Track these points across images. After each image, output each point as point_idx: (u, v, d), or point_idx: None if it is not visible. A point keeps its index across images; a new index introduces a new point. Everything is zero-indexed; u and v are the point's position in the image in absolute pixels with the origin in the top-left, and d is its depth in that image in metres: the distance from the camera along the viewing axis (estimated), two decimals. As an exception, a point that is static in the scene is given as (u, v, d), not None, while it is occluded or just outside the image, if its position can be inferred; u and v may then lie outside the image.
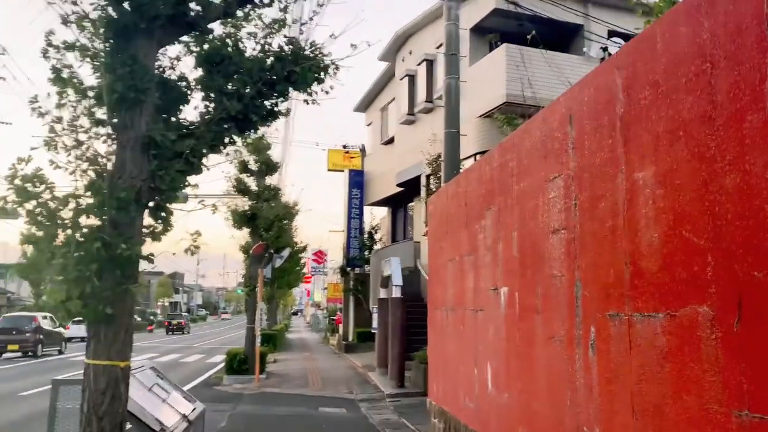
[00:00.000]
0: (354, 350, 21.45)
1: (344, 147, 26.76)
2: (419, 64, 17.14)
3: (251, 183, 15.16)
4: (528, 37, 10.49)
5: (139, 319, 59.02)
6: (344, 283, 24.52)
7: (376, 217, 23.73)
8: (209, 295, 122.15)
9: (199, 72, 4.03)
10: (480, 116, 14.50)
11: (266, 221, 14.99)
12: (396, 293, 12.84)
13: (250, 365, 14.38)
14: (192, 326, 56.43)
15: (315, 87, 4.34)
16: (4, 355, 21.59)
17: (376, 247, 22.22)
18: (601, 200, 3.58)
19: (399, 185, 19.45)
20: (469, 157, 14.26)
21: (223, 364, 15.40)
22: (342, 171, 29.54)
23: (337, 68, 4.38)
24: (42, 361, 20.18)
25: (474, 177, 6.38)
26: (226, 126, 3.96)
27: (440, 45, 15.86)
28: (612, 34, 14.93)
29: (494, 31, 14.34)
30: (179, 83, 4.04)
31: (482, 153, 14.95)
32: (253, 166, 15.23)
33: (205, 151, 3.94)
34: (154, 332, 50.65)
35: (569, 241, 4.05)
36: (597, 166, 3.66)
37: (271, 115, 4.31)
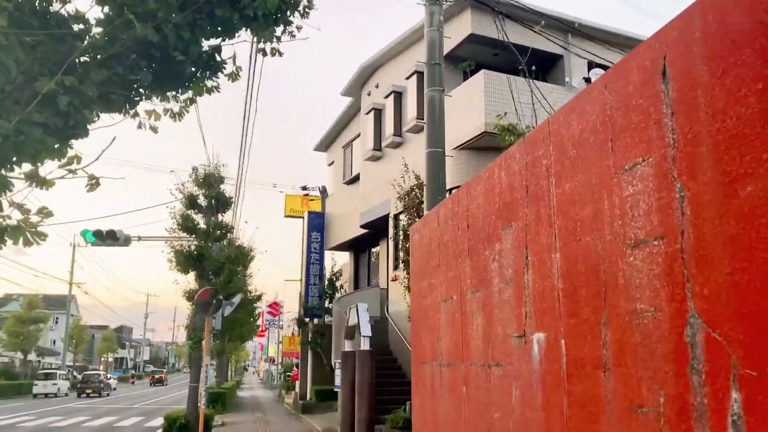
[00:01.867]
0: (313, 411, 19.38)
1: (304, 188, 25.28)
2: (387, 97, 15.99)
3: (200, 220, 13.44)
4: (500, 66, 9.35)
5: (78, 376, 54.81)
6: (302, 335, 22.56)
7: (337, 262, 22.11)
8: (158, 350, 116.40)
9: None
10: (456, 148, 13.30)
11: (215, 264, 13.22)
12: (364, 345, 11.18)
13: (192, 431, 12.33)
14: (137, 383, 52.69)
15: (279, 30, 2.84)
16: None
17: (338, 294, 20.49)
18: (743, 183, 2.16)
19: (363, 226, 17.98)
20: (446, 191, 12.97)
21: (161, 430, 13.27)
22: (300, 217, 28.02)
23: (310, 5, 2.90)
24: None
25: (481, 190, 4.96)
26: (132, 67, 2.38)
27: (411, 75, 14.79)
28: (592, 65, 14.16)
29: (468, 59, 13.33)
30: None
31: (456, 188, 13.70)
32: (202, 201, 13.53)
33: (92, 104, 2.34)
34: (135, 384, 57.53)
35: (672, 255, 2.61)
36: (726, 131, 2.26)
37: (209, 66, 2.76)
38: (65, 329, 49.44)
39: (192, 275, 13.17)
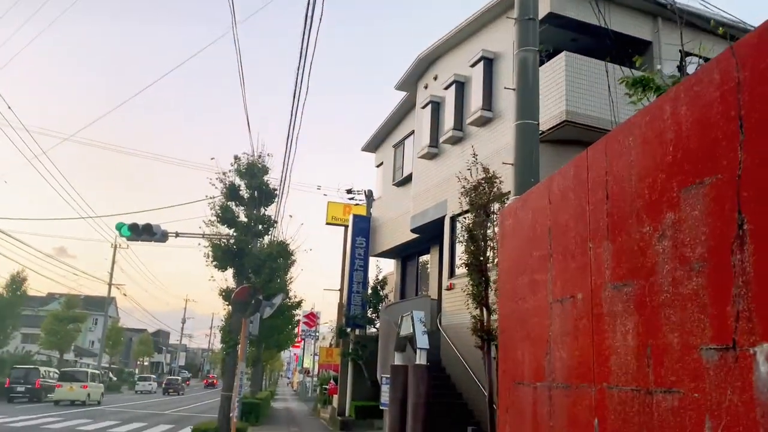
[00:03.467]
0: (352, 428, 17.93)
1: (349, 191, 24.08)
2: (447, 87, 14.64)
3: (240, 213, 12.27)
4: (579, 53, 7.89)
5: (114, 378, 54.70)
6: (342, 346, 21.18)
7: (382, 270, 20.72)
8: (194, 356, 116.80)
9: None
10: (527, 141, 11.81)
11: (255, 260, 12.00)
12: (420, 359, 9.74)
13: (223, 446, 11.07)
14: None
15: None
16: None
17: (384, 304, 19.08)
18: None
19: (414, 231, 16.58)
20: (508, 194, 11.49)
21: (189, 442, 12.10)
22: (342, 225, 26.87)
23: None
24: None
25: (633, 142, 3.51)
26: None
27: (476, 61, 13.41)
28: (685, 53, 12.54)
29: (544, 44, 11.87)
30: None
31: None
32: (243, 192, 12.37)
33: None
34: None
35: None
36: None
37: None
38: (102, 330, 49.29)
39: (230, 273, 12.00)
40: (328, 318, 55.02)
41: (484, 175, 10.49)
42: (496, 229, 10.64)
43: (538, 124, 6.65)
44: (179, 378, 55.56)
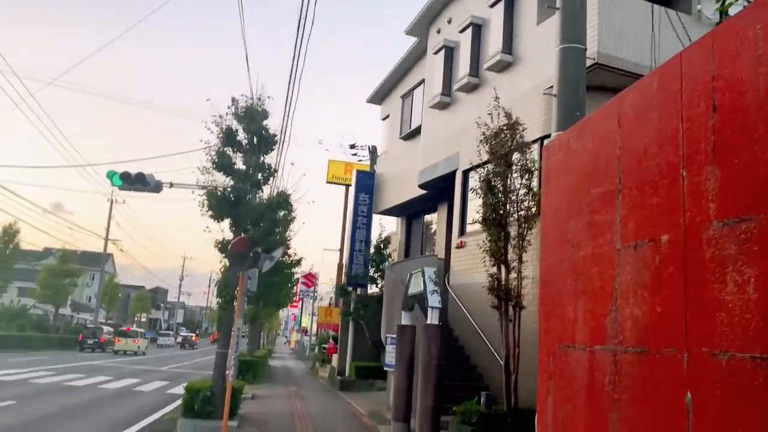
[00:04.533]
0: (351, 388, 17.42)
1: (352, 146, 23.12)
2: (463, 30, 13.57)
3: (238, 160, 11.36)
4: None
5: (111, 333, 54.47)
6: (343, 305, 20.56)
7: (386, 229, 19.93)
8: (192, 313, 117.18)
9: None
10: (551, 87, 10.85)
11: (254, 211, 11.15)
12: (432, 319, 8.98)
13: (218, 406, 10.40)
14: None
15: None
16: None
17: (388, 263, 18.35)
18: None
19: (422, 186, 15.71)
20: (534, 142, 10.59)
21: (184, 399, 11.53)
22: (343, 184, 26.03)
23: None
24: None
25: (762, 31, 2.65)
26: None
27: (496, 1, 12.34)
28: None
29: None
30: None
31: (549, 137, 11.28)
32: (241, 138, 11.44)
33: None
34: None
35: None
36: None
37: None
38: (99, 286, 48.80)
39: (226, 224, 11.16)
40: (327, 279, 54.67)
41: (506, 122, 9.58)
42: (517, 180, 9.80)
43: (586, 49, 5.72)
44: (192, 335, 65.84)
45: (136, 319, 79.49)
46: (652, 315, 3.06)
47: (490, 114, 9.73)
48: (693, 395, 2.70)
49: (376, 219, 20.34)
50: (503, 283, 9.03)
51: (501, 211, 9.17)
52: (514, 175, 9.46)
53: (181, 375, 22.01)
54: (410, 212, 18.93)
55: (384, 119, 20.51)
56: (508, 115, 9.60)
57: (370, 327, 18.45)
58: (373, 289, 20.10)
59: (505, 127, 9.52)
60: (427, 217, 18.30)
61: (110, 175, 14.51)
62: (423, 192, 16.26)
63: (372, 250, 19.18)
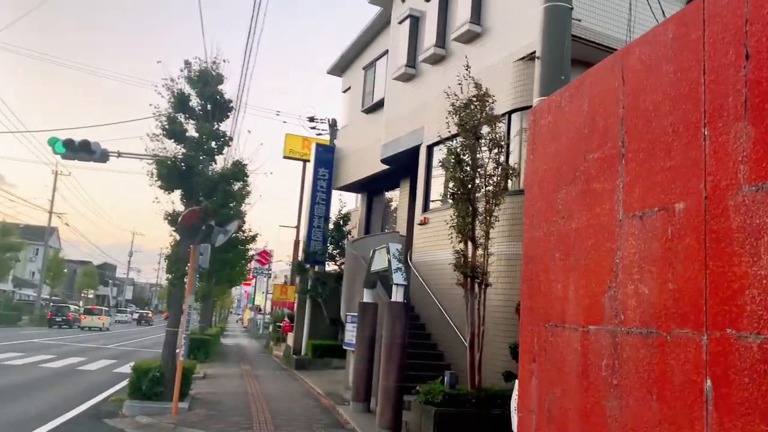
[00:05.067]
0: (308, 367, 17.01)
1: (311, 119, 22.42)
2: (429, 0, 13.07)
3: (190, 128, 10.66)
4: None
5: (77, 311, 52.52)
6: (300, 283, 20.05)
7: (346, 204, 19.42)
8: (142, 290, 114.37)
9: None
10: (522, 58, 10.52)
11: (207, 181, 10.51)
12: (396, 296, 8.61)
13: (167, 387, 9.84)
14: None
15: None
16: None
17: (348, 240, 17.90)
18: None
19: (384, 161, 15.25)
20: (503, 115, 10.24)
21: (131, 379, 10.90)
22: (300, 159, 25.36)
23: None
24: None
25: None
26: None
27: (465, -32, 11.86)
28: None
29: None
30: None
31: (523, 109, 11.00)
32: (194, 103, 10.73)
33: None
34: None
35: None
36: None
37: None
38: (42, 260, 46.82)
39: (177, 195, 10.48)
40: (282, 256, 53.89)
41: (476, 92, 9.19)
42: (485, 154, 9.46)
43: (572, 8, 5.34)
44: (149, 312, 69.47)
45: (82, 295, 76.92)
46: (662, 292, 2.72)
47: (459, 84, 9.31)
48: (714, 382, 2.36)
49: (336, 195, 19.83)
50: (470, 259, 8.72)
51: (469, 186, 8.81)
52: (483, 148, 9.12)
53: (131, 353, 21.19)
54: (371, 188, 18.48)
55: (345, 92, 19.88)
56: (477, 86, 9.20)
57: (328, 305, 18.04)
58: (331, 267, 19.66)
59: (474, 98, 9.13)
60: (389, 194, 17.90)
61: (52, 142, 13.53)
62: (385, 167, 15.82)
63: (332, 226, 18.70)
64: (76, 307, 45.69)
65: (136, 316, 65.52)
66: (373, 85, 17.06)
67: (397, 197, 16.90)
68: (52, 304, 49.57)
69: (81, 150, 13.39)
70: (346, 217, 18.68)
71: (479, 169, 8.95)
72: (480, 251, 8.83)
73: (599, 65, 3.71)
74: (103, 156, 13.84)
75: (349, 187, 19.38)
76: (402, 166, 15.13)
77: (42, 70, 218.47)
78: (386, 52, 16.16)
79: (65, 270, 59.86)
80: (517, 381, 5.11)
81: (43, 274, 47.09)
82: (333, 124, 21.65)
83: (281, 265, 65.48)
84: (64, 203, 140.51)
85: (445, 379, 8.44)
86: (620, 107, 3.38)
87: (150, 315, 66.77)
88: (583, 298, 3.46)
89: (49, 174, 47.67)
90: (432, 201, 12.99)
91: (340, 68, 19.93)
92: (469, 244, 8.86)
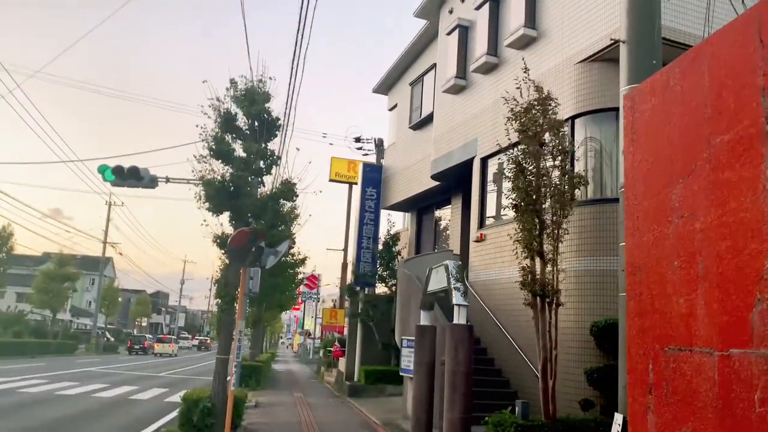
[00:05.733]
0: (361, 394, 16.38)
1: (357, 140, 22.07)
2: (479, 7, 12.56)
3: (237, 148, 10.35)
4: None
5: (111, 339, 53.51)
6: (350, 306, 19.54)
7: (395, 224, 18.90)
8: (194, 317, 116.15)
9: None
10: (584, 60, 9.86)
11: (256, 201, 10.14)
12: (459, 318, 7.95)
13: (218, 418, 9.39)
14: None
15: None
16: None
17: (398, 260, 17.33)
18: None
19: (435, 177, 14.69)
20: (565, 121, 9.56)
21: (182, 409, 10.50)
22: (346, 182, 25.03)
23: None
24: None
25: None
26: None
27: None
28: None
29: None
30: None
31: (583, 115, 10.29)
32: (241, 122, 10.43)
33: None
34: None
35: None
36: None
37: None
38: (98, 290, 47.84)
39: (226, 217, 10.16)
40: (329, 280, 53.64)
41: (537, 96, 8.56)
42: (549, 162, 8.78)
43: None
44: (208, 339, 74.40)
45: (137, 323, 78.46)
46: None
47: (518, 88, 8.71)
48: None
49: (384, 215, 19.35)
50: (539, 276, 8.01)
51: (534, 196, 8.15)
52: (546, 156, 8.46)
53: (186, 380, 21.03)
54: (421, 206, 17.91)
55: (391, 109, 19.50)
56: (539, 89, 8.58)
57: (380, 329, 17.45)
58: (380, 289, 19.10)
59: (536, 102, 8.51)
60: (439, 212, 17.29)
61: (102, 169, 13.50)
62: (435, 184, 15.26)
63: (381, 246, 18.18)
64: (150, 336, 53.66)
65: (196, 342, 71.87)
66: (421, 100, 16.60)
67: (448, 215, 16.29)
68: (128, 334, 56.57)
69: (130, 176, 13.31)
70: (395, 238, 18.14)
71: (543, 178, 8.29)
72: (549, 267, 8.13)
73: (725, 28, 3.05)
74: (151, 182, 13.74)
75: (398, 206, 18.87)
76: (453, 182, 14.55)
77: (93, 100, 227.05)
78: (434, 65, 15.71)
79: (120, 299, 61.14)
80: (617, 415, 4.41)
81: (99, 304, 48.06)
82: (379, 144, 21.27)
83: (329, 288, 65.32)
84: (117, 233, 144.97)
85: (517, 408, 7.70)
86: (760, 75, 2.71)
87: (209, 342, 71.13)
88: (719, 315, 2.78)
89: (103, 205, 48.94)
90: (489, 216, 12.32)
91: (386, 86, 19.58)
92: (537, 259, 8.16)
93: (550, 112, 8.56)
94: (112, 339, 53.97)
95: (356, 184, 22.55)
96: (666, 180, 3.35)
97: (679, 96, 3.30)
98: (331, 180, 25.34)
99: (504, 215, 11.77)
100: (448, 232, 16.31)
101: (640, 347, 3.51)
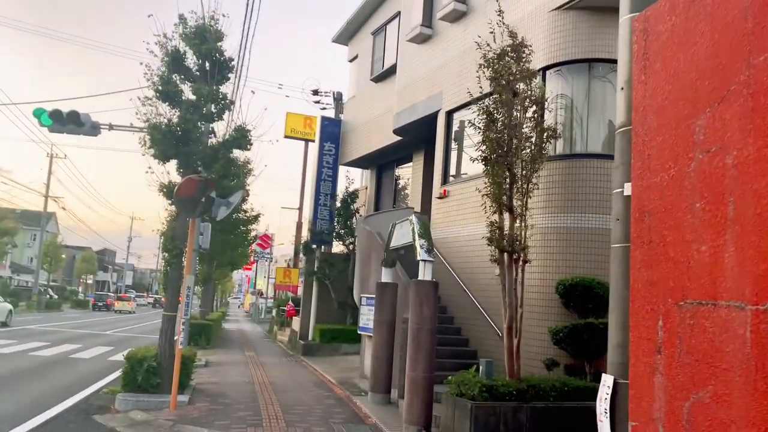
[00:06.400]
0: (316, 353, 16.03)
1: (315, 92, 21.23)
2: (448, -50, 11.85)
3: (186, 90, 9.53)
4: None
5: (55, 296, 51.62)
6: (307, 264, 19.01)
7: (354, 181, 18.31)
8: (142, 276, 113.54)
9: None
10: (559, 7, 9.39)
11: (207, 149, 9.41)
12: (426, 274, 7.55)
13: (164, 378, 8.83)
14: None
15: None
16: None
17: (357, 218, 16.83)
18: None
19: (397, 131, 14.12)
20: (537, 72, 9.10)
21: (127, 368, 9.89)
22: (302, 139, 24.25)
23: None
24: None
25: None
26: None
27: None
28: None
29: None
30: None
31: (554, 66, 9.86)
32: (191, 62, 9.58)
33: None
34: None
35: None
36: None
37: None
38: (39, 245, 45.79)
39: (173, 165, 9.40)
40: (282, 240, 52.90)
41: (511, 42, 8.06)
42: (521, 114, 8.34)
43: None
44: (162, 297, 75.20)
45: (82, 280, 76.05)
46: None
47: (492, 32, 8.17)
48: None
49: (342, 172, 18.74)
50: (507, 232, 7.66)
51: (505, 148, 7.72)
52: (518, 107, 8.01)
53: (133, 339, 20.24)
54: (381, 163, 17.36)
55: (352, 60, 18.68)
56: (512, 35, 8.07)
57: (337, 287, 17.05)
58: (338, 248, 18.63)
59: (509, 49, 8.01)
60: (400, 169, 16.79)
61: (38, 113, 12.39)
62: (397, 139, 14.71)
63: (339, 204, 17.62)
64: (111, 294, 57.25)
65: (151, 300, 72.70)
66: (384, 50, 15.89)
67: (408, 173, 15.83)
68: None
69: (69, 122, 12.27)
70: (354, 195, 17.60)
71: (515, 130, 7.85)
72: (517, 223, 7.78)
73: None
74: (93, 129, 12.70)
75: (357, 163, 18.28)
76: (416, 137, 14.03)
77: (32, 42, 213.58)
78: (398, 14, 14.97)
79: (63, 255, 58.88)
80: (606, 376, 4.08)
81: (40, 259, 46.05)
82: (338, 98, 20.47)
83: (282, 248, 64.42)
84: (61, 188, 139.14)
85: (481, 368, 7.41)
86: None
87: (164, 299, 69.64)
88: (755, 263, 2.38)
89: (45, 158, 46.47)
90: (452, 173, 11.90)
91: (346, 35, 18.71)
92: (506, 214, 7.80)
93: (524, 60, 8.10)
94: (56, 296, 52.03)
95: (313, 141, 21.77)
96: (688, 110, 2.92)
97: (708, 11, 2.84)
98: (286, 136, 24.45)
99: (464, 174, 11.38)
100: (407, 190, 15.88)
101: (646, 302, 3.13)
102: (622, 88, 4.18)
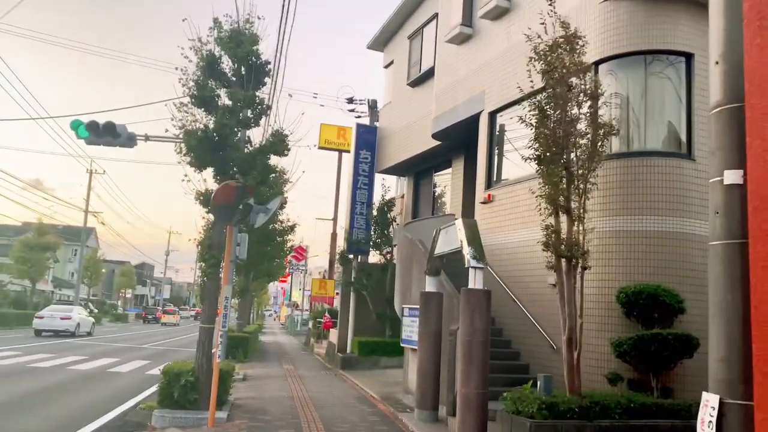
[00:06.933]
0: (355, 367, 15.57)
1: (350, 101, 20.94)
2: (489, -54, 11.41)
3: (222, 94, 9.25)
4: None
5: (95, 310, 52.40)
6: (344, 274, 18.60)
7: (390, 189, 17.87)
8: (180, 289, 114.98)
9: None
10: (611, -3, 8.83)
11: (243, 155, 9.09)
12: (477, 282, 7.03)
13: (202, 393, 8.47)
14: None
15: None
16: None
17: (395, 226, 16.38)
18: None
19: (436, 135, 13.66)
20: (590, 66, 8.54)
21: (164, 382, 9.56)
22: (336, 150, 24.00)
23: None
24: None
25: None
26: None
27: None
28: None
29: None
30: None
31: (607, 60, 9.29)
32: (226, 67, 9.32)
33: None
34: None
35: None
36: None
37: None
38: (79, 260, 46.53)
39: (210, 172, 9.11)
40: (318, 250, 52.78)
41: (564, 33, 7.56)
42: (575, 109, 7.80)
43: None
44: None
45: (121, 294, 77.22)
46: None
47: (542, 23, 7.68)
48: None
49: (378, 180, 18.34)
50: (564, 236, 7.11)
51: (560, 145, 7.19)
52: (573, 102, 7.48)
53: (171, 352, 20.12)
54: (418, 170, 16.90)
55: (387, 66, 18.31)
56: (565, 25, 7.57)
57: (374, 298, 16.58)
58: (374, 258, 18.20)
59: (561, 40, 7.50)
60: (438, 176, 16.29)
61: (75, 125, 12.28)
62: (435, 144, 14.25)
63: (375, 212, 17.19)
64: (158, 308, 61.92)
65: (193, 313, 75.59)
66: (420, 54, 15.48)
67: (446, 179, 15.33)
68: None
69: (105, 133, 12.12)
70: (390, 203, 17.16)
71: (571, 126, 7.32)
72: (575, 226, 7.23)
73: None
74: (129, 140, 12.53)
75: (394, 170, 17.85)
76: (455, 141, 13.55)
77: (58, 54, 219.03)
78: (435, 15, 14.57)
79: (103, 270, 59.84)
80: (710, 396, 3.49)
81: (80, 274, 46.77)
82: (373, 106, 20.14)
83: (316, 261, 64.14)
84: (100, 203, 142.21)
85: (539, 383, 6.86)
86: None
87: (199, 311, 71.18)
88: None
89: (85, 174, 47.30)
90: (495, 179, 11.36)
91: (381, 41, 18.37)
92: (562, 217, 7.25)
93: (578, 51, 7.58)
94: (96, 310, 52.79)
95: (347, 151, 21.46)
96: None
97: None
98: (320, 147, 24.20)
99: (505, 178, 10.83)
100: (444, 198, 15.38)
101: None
102: (717, 62, 3.64)
